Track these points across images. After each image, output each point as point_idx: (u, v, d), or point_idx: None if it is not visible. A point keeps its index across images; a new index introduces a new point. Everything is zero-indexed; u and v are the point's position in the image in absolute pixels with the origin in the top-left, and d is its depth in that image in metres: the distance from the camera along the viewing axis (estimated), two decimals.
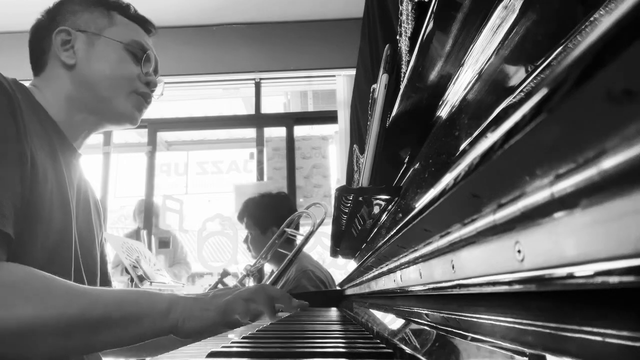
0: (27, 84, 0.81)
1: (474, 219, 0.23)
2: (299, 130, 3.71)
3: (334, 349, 0.43)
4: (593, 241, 0.14)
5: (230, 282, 2.08)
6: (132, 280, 2.06)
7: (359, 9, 2.33)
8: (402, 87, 0.59)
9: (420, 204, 0.33)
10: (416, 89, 0.55)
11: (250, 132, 3.86)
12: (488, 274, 0.23)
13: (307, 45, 3.59)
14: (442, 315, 0.35)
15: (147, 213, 3.40)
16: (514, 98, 0.21)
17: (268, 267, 2.50)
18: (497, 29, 0.33)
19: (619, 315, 0.15)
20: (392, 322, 0.53)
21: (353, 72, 2.68)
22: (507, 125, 0.18)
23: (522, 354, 0.20)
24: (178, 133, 4.42)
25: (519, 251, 0.19)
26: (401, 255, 0.45)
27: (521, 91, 0.20)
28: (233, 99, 4.22)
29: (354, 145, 1.76)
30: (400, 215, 0.42)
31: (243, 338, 0.51)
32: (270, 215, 1.85)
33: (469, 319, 0.29)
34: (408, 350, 0.34)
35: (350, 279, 1.17)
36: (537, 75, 0.19)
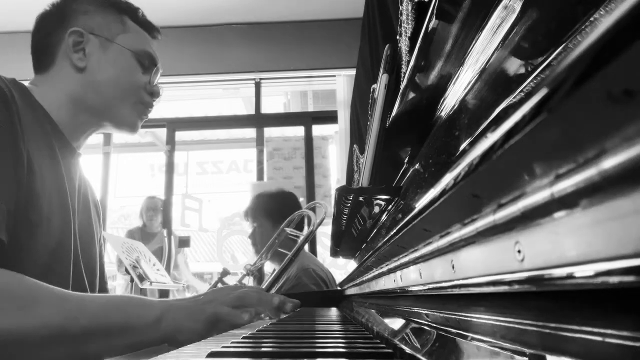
0: (26, 83, 0.81)
1: (474, 219, 0.23)
2: (299, 131, 3.71)
3: (334, 349, 0.43)
4: (593, 241, 0.14)
5: (230, 281, 2.08)
6: (132, 280, 2.06)
7: (358, 9, 2.33)
8: (402, 87, 0.59)
9: (420, 204, 0.33)
10: (416, 89, 0.55)
11: (250, 132, 3.86)
12: (488, 274, 0.23)
13: (307, 45, 3.59)
14: (442, 315, 0.35)
15: (166, 212, 3.39)
16: (514, 98, 0.21)
17: (268, 267, 2.50)
18: (497, 29, 0.33)
19: (619, 315, 0.15)
20: (392, 322, 0.53)
21: (353, 72, 2.69)
22: (507, 125, 0.18)
23: (522, 354, 0.20)
24: (179, 133, 4.43)
25: (519, 251, 0.19)
26: (401, 255, 0.45)
27: (521, 91, 0.20)
28: (233, 99, 4.22)
29: (354, 145, 1.76)
30: (400, 215, 0.42)
31: (243, 338, 0.51)
32: (283, 210, 1.86)
33: (469, 319, 0.29)
34: (408, 350, 0.34)
35: (350, 278, 1.17)
36: (537, 75, 0.19)
